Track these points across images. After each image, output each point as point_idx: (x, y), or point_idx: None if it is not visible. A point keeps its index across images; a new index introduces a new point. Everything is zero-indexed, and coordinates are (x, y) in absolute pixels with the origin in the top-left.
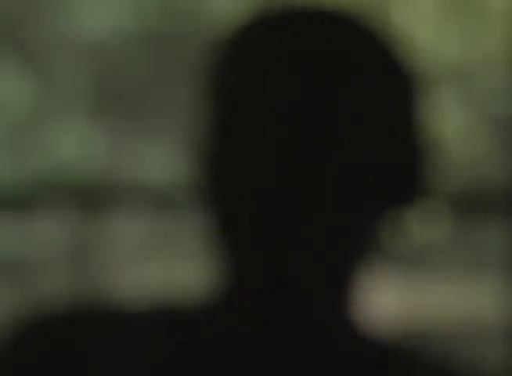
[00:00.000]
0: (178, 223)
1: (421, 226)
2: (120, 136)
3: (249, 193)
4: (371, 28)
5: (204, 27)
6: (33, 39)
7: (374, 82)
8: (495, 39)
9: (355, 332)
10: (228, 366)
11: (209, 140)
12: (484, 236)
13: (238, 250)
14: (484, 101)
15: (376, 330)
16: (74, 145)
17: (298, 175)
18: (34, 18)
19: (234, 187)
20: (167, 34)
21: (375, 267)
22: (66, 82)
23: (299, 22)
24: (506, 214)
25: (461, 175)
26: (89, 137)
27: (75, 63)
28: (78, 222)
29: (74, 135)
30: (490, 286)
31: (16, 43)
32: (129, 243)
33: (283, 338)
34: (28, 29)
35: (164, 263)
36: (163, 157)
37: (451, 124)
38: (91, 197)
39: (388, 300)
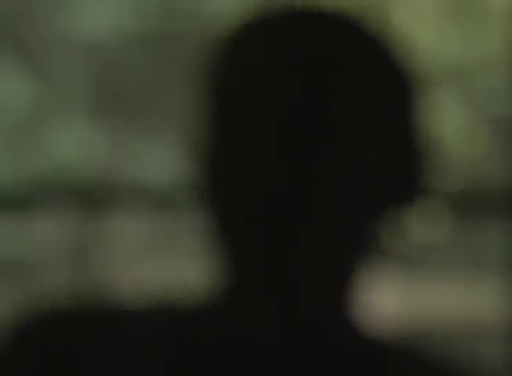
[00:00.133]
0: (177, 223)
1: (421, 226)
2: (120, 136)
3: (248, 193)
4: (371, 29)
5: (204, 26)
6: (33, 39)
7: (374, 83)
8: (495, 39)
9: (356, 332)
10: (228, 365)
11: (208, 140)
12: (484, 236)
13: (238, 250)
14: (484, 101)
15: (377, 330)
16: (74, 145)
17: (298, 175)
18: (34, 18)
19: (234, 187)
20: (167, 34)
21: (375, 267)
22: (66, 82)
23: (299, 22)
24: (506, 214)
25: (461, 175)
26: (89, 137)
27: (75, 63)
28: (78, 222)
29: (74, 135)
30: (490, 286)
31: (16, 43)
32: (129, 243)
33: (282, 337)
34: (28, 29)
35: (164, 263)
36: (163, 157)
37: (451, 125)
38: (91, 197)
39: (388, 300)
